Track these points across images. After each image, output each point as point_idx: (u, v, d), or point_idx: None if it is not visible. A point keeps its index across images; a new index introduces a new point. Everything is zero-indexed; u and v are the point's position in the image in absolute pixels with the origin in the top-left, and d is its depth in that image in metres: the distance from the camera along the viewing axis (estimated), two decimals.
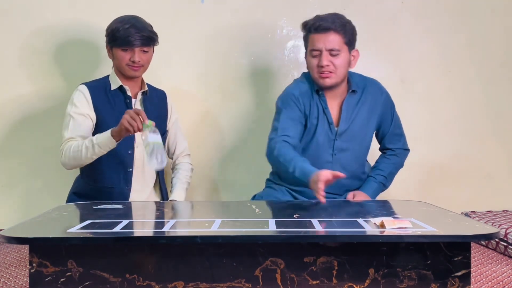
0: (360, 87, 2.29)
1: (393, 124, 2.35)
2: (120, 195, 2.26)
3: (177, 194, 2.37)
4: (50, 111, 2.80)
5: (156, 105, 2.40)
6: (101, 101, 2.28)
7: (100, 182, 2.29)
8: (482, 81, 3.04)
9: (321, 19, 2.18)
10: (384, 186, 2.33)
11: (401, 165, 2.41)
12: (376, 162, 2.38)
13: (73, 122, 2.22)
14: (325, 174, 1.87)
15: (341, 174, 1.89)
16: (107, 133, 2.09)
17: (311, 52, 2.19)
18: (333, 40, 2.15)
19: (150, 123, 1.98)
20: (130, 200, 2.29)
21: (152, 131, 1.98)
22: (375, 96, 2.30)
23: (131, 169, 2.29)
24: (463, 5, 3.01)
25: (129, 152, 2.29)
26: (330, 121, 2.23)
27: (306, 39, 2.24)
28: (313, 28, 2.18)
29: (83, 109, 2.24)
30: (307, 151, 2.24)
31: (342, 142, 2.24)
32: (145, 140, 1.97)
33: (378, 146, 2.43)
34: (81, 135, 2.21)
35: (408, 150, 2.42)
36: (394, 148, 2.36)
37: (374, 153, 2.47)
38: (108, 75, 2.35)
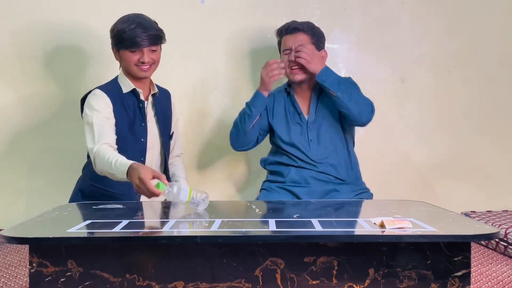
0: None
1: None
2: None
3: (184, 183, 2.30)
4: (50, 111, 2.80)
5: (163, 106, 2.36)
6: (116, 105, 2.18)
7: (111, 188, 2.19)
8: (482, 81, 3.04)
9: (291, 23, 2.45)
10: (339, 81, 2.33)
11: (358, 96, 2.38)
12: None
13: (98, 129, 2.07)
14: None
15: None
16: (124, 170, 1.91)
17: (284, 52, 2.43)
18: (301, 39, 2.39)
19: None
20: None
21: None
22: None
23: None
24: (463, 5, 3.01)
25: (141, 159, 2.22)
26: (299, 112, 2.45)
27: (279, 44, 2.49)
28: (284, 30, 2.45)
29: (105, 113, 2.13)
30: (288, 139, 2.44)
31: (314, 130, 2.43)
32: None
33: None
34: (107, 142, 2.05)
35: (371, 102, 2.40)
36: None
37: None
38: (116, 77, 2.28)
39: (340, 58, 2.98)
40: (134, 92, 2.23)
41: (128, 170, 1.88)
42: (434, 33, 3.01)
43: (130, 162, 1.91)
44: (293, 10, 2.91)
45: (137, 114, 2.22)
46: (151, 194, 1.81)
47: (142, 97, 2.24)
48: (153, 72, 2.26)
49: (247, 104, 2.42)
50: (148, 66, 2.20)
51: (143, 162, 2.22)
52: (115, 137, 2.12)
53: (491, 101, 3.05)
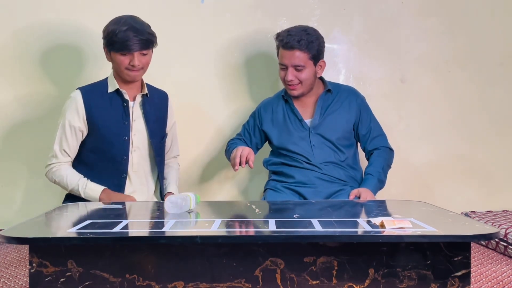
0: (335, 89, 2.47)
1: (372, 125, 2.47)
2: None
3: (173, 188, 2.40)
4: (51, 111, 2.80)
5: (157, 107, 2.36)
6: (96, 105, 2.23)
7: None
8: (482, 81, 3.04)
9: (288, 36, 2.31)
10: (381, 182, 2.38)
11: (391, 161, 2.49)
12: (368, 163, 2.46)
13: (62, 137, 2.24)
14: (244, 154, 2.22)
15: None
16: (98, 191, 2.21)
17: (280, 65, 2.37)
18: (298, 57, 2.31)
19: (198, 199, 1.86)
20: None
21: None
22: (350, 96, 2.47)
23: (124, 175, 2.27)
24: (463, 6, 3.01)
25: (124, 157, 2.25)
26: (300, 118, 2.42)
27: (277, 50, 2.40)
28: (281, 43, 2.34)
29: (73, 121, 2.22)
30: (290, 148, 2.41)
31: (317, 135, 2.40)
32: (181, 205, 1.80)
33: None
34: (68, 153, 2.25)
35: (392, 150, 2.51)
36: (379, 146, 2.47)
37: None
38: (107, 77, 2.30)
39: (340, 58, 2.98)
40: (118, 91, 2.26)
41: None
42: (434, 33, 3.01)
43: (100, 190, 2.21)
44: (293, 10, 2.91)
45: (121, 113, 2.25)
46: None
47: (126, 97, 2.26)
48: (142, 75, 2.29)
49: (229, 150, 2.43)
50: (137, 70, 2.22)
51: (126, 160, 2.26)
52: (76, 147, 2.26)
53: (491, 101, 3.05)
